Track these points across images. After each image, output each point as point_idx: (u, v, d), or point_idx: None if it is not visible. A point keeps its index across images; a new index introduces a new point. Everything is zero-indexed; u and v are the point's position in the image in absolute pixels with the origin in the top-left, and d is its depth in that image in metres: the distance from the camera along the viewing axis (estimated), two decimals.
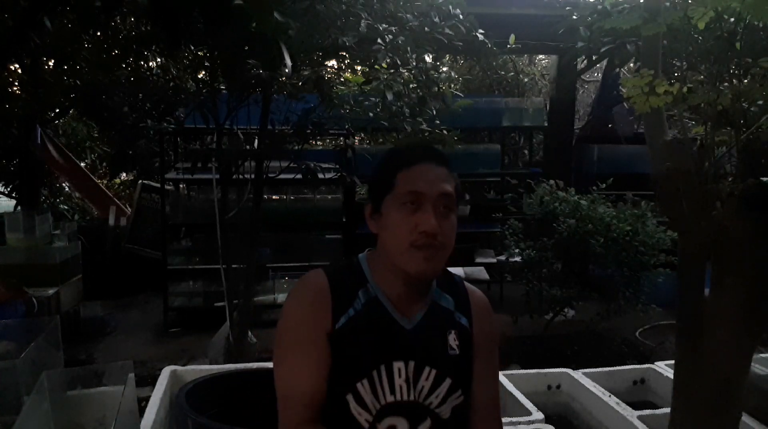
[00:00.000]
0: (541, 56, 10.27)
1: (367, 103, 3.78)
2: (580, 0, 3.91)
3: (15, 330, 2.91)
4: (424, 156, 1.16)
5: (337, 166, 4.67)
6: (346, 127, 4.42)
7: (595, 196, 4.92)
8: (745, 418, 2.36)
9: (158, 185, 6.13)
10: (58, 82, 6.19)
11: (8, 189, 7.37)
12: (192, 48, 3.78)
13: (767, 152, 1.77)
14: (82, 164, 7.61)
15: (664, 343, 4.69)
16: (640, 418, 2.53)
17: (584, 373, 3.07)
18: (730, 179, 1.78)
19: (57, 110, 6.97)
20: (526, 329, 5.10)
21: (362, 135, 7.80)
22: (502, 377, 2.80)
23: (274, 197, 5.87)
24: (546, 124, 7.25)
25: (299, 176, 4.12)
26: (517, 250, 5.04)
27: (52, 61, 6.27)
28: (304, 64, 3.59)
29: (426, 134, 3.83)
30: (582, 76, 9.26)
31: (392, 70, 3.55)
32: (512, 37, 4.05)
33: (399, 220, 1.12)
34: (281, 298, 5.56)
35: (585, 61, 5.30)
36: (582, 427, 2.92)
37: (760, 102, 1.81)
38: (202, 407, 2.28)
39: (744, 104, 1.75)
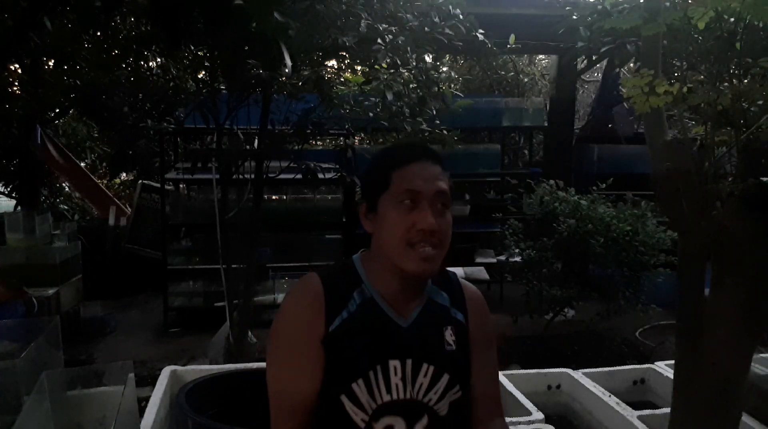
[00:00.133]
0: (541, 56, 10.27)
1: (367, 103, 3.78)
2: (580, 0, 3.90)
3: (15, 330, 2.91)
4: (420, 154, 1.16)
5: (337, 166, 4.66)
6: (346, 127, 4.42)
7: (595, 196, 4.92)
8: (745, 418, 2.36)
9: (158, 185, 6.13)
10: (58, 82, 6.20)
11: (8, 189, 7.38)
12: (192, 48, 3.79)
13: (767, 152, 1.77)
14: (82, 164, 7.61)
15: (664, 343, 4.68)
16: (640, 418, 2.53)
17: (584, 373, 3.07)
18: (730, 179, 1.78)
19: (57, 110, 6.98)
20: (526, 329, 5.10)
21: (362, 135, 7.80)
22: (502, 377, 2.80)
23: (274, 197, 5.87)
24: (546, 124, 7.25)
25: (299, 176, 4.11)
26: (517, 250, 5.04)
27: (52, 61, 6.29)
28: (304, 64, 3.60)
29: (426, 134, 3.83)
30: (582, 76, 9.26)
31: (392, 70, 3.55)
32: (512, 37, 4.05)
33: (396, 218, 1.12)
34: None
35: (585, 61, 5.31)
36: (582, 427, 2.91)
37: (760, 102, 1.81)
38: (202, 407, 2.29)
39: (744, 104, 1.75)
